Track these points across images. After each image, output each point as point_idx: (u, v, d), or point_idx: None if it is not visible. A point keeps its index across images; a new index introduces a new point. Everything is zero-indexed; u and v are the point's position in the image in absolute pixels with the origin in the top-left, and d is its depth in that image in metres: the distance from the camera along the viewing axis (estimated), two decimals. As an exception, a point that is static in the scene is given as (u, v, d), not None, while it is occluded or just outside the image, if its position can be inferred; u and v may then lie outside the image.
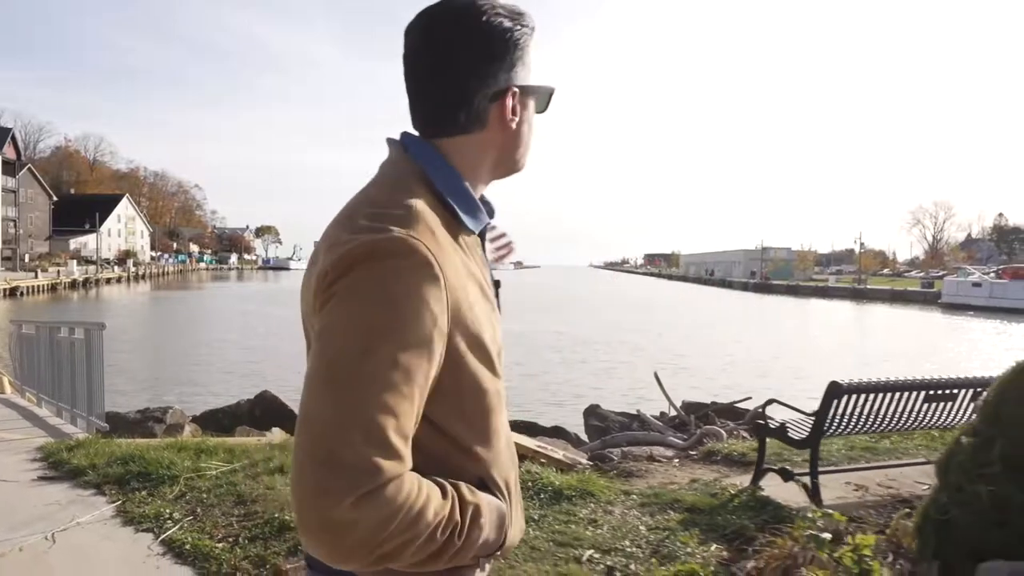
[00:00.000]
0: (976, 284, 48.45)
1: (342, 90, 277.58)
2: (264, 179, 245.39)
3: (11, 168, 58.00)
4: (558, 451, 5.43)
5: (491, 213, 1.01)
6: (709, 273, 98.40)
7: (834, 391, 3.70)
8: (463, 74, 0.91)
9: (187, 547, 3.44)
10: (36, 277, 46.34)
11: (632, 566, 3.09)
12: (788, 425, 4.07)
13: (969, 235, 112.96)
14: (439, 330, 0.81)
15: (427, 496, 0.80)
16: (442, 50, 0.91)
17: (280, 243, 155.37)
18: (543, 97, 1.00)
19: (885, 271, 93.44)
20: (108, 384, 12.73)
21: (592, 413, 8.16)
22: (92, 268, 58.07)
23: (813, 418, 3.84)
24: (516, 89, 0.94)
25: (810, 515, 2.86)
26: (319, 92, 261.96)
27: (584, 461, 5.47)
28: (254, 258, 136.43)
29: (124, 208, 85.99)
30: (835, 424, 3.82)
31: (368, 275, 0.79)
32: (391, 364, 0.77)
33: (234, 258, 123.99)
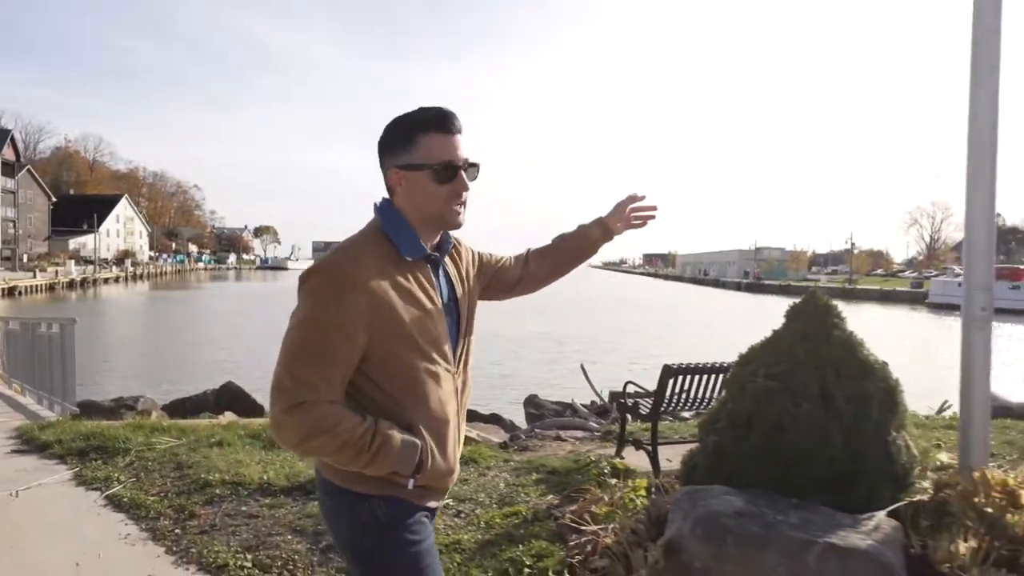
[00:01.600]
0: (962, 284, 49.03)
1: (342, 90, 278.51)
2: (263, 179, 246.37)
3: (10, 169, 58.85)
4: (472, 431, 6.17)
5: (443, 248, 1.57)
6: (704, 273, 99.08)
7: (667, 372, 4.44)
8: (380, 158, 1.52)
9: (125, 500, 4.19)
10: (34, 277, 47.03)
11: (477, 511, 3.84)
12: (639, 403, 4.81)
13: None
14: (342, 317, 1.36)
15: (339, 419, 1.35)
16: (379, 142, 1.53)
17: (279, 243, 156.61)
18: (441, 170, 1.45)
19: (879, 271, 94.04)
20: (93, 375, 13.48)
21: (530, 402, 8.90)
22: (90, 268, 58.79)
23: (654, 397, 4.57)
24: (396, 168, 1.48)
25: (606, 469, 3.61)
26: (319, 92, 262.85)
27: (494, 440, 6.21)
28: (252, 258, 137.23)
29: (123, 208, 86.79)
30: (672, 401, 4.56)
31: (306, 284, 1.42)
32: (306, 337, 1.38)
33: (232, 258, 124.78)
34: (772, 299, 55.68)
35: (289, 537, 3.55)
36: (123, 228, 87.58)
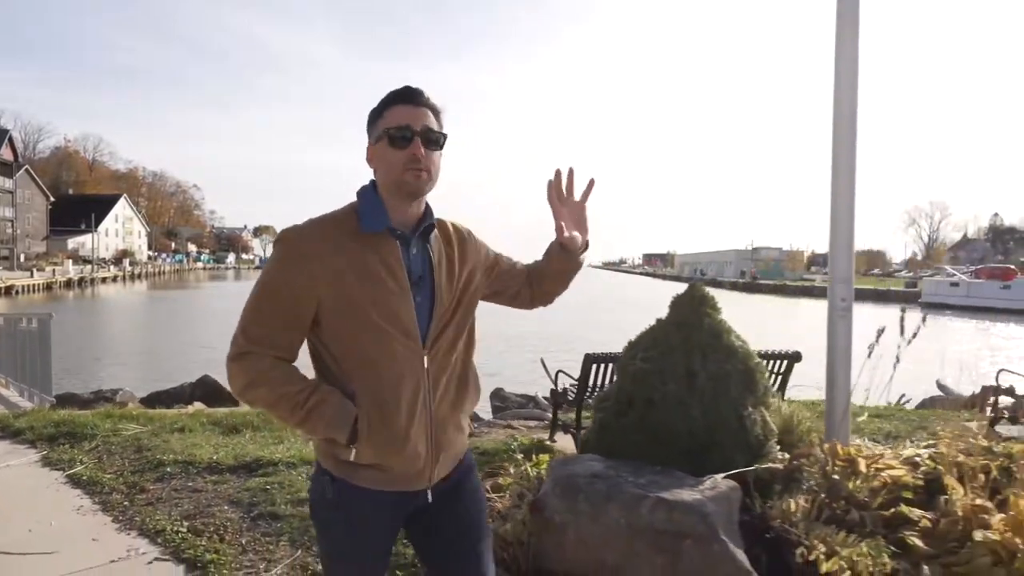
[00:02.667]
0: (954, 284, 49.37)
1: (342, 90, 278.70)
2: (263, 179, 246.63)
3: (8, 169, 59.24)
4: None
5: (419, 226, 1.57)
6: (701, 273, 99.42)
7: (588, 360, 4.79)
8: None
9: (84, 478, 4.53)
10: (31, 276, 47.36)
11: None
12: (568, 390, 5.16)
13: (965, 235, 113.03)
14: (290, 282, 1.46)
15: (280, 374, 1.46)
16: None
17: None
18: (396, 133, 1.50)
19: (876, 271, 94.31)
20: (81, 370, 13.79)
21: (496, 395, 9.27)
22: (88, 268, 59.17)
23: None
24: (369, 146, 1.57)
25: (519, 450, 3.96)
26: (319, 92, 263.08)
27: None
28: (252, 258, 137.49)
29: (122, 208, 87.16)
30: (597, 388, 4.90)
31: (272, 249, 1.55)
32: (258, 296, 1.49)
33: (232, 258, 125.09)
34: (768, 298, 56.09)
35: (226, 508, 3.90)
36: (122, 228, 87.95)
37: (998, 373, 5.94)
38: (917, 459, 3.41)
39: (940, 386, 10.44)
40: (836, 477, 3.22)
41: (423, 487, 1.59)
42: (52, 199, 70.29)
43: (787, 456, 3.37)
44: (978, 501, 2.87)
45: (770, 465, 3.22)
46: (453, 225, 1.69)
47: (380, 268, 1.49)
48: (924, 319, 3.44)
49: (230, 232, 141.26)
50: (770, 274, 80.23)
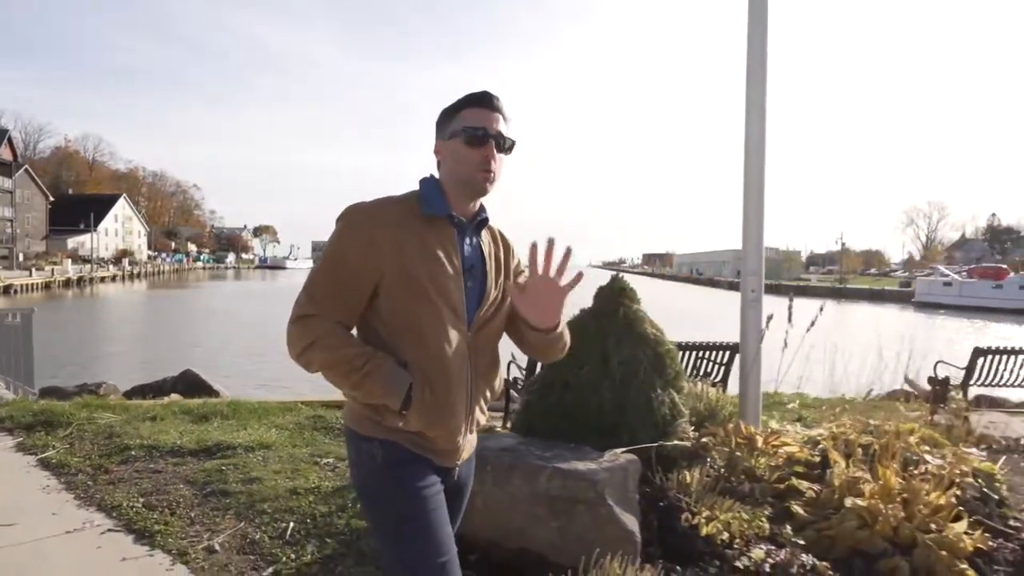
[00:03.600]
0: (947, 284, 49.57)
1: (342, 90, 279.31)
2: (263, 179, 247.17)
3: (7, 169, 59.55)
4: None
5: (475, 219, 1.66)
6: (698, 273, 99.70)
7: (533, 351, 5.05)
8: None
9: (54, 462, 4.78)
10: (30, 275, 47.65)
11: (343, 464, 4.43)
12: (518, 380, 5.42)
13: (963, 235, 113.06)
14: (355, 250, 1.53)
15: (339, 337, 1.52)
16: None
17: (278, 243, 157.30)
18: (472, 134, 1.57)
19: (872, 271, 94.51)
20: (71, 364, 14.01)
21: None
22: (87, 267, 59.47)
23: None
24: (439, 140, 1.64)
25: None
26: (319, 92, 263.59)
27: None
28: (251, 257, 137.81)
29: (121, 208, 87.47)
30: (543, 377, 5.15)
31: (338, 221, 1.59)
32: (323, 263, 1.57)
33: (231, 257, 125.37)
34: (763, 298, 56.40)
35: (181, 486, 4.15)
36: (121, 227, 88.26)
37: (936, 364, 6.18)
38: (818, 438, 3.67)
39: (907, 380, 10.70)
40: (738, 453, 3.48)
41: (454, 464, 1.67)
42: (52, 199, 70.60)
43: (696, 435, 3.64)
44: (856, 473, 3.13)
45: (677, 443, 3.47)
46: (500, 232, 1.78)
47: (439, 248, 1.56)
48: (821, 309, 3.66)
49: (230, 232, 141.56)
50: (766, 274, 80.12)
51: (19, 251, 59.29)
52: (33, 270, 50.13)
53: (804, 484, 3.24)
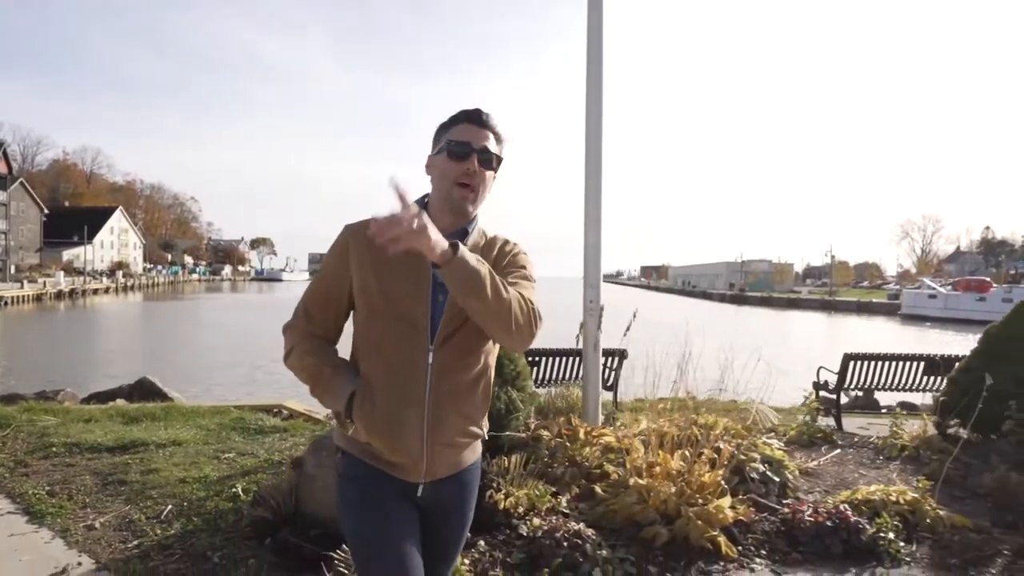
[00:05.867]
0: (932, 296, 50.00)
1: (339, 102, 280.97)
2: (261, 191, 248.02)
3: (2, 182, 59.95)
4: (315, 411, 7.18)
5: (457, 232, 1.62)
6: (691, 285, 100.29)
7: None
8: None
9: (-19, 458, 5.20)
10: (22, 287, 48.02)
11: (241, 458, 4.87)
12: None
13: (958, 248, 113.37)
14: (333, 266, 1.64)
15: (313, 346, 1.64)
16: None
17: (275, 255, 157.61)
18: (454, 147, 1.58)
19: (864, 283, 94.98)
20: (41, 370, 14.35)
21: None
22: (80, 279, 59.90)
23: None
24: (429, 156, 1.67)
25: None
26: (316, 104, 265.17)
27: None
28: (248, 269, 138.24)
29: (117, 220, 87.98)
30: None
31: None
32: (313, 279, 1.72)
33: (228, 269, 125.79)
34: (754, 310, 56.86)
35: (87, 477, 4.58)
36: (117, 240, 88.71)
37: (818, 370, 6.60)
38: (644, 432, 4.11)
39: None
40: (566, 444, 3.92)
41: (417, 480, 1.60)
42: (47, 211, 71.09)
43: (530, 425, 4.08)
44: (651, 458, 3.56)
45: (511, 434, 3.91)
46: (504, 241, 1.72)
47: (407, 264, 1.53)
48: (635, 315, 4.10)
49: (227, 244, 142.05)
50: (759, 286, 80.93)
51: (12, 263, 59.71)
52: (25, 282, 50.50)
53: (611, 468, 3.68)
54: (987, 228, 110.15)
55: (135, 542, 3.50)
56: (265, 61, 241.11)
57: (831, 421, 6.25)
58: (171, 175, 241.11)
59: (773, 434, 5.66)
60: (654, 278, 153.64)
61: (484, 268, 1.46)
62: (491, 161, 1.60)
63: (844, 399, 6.83)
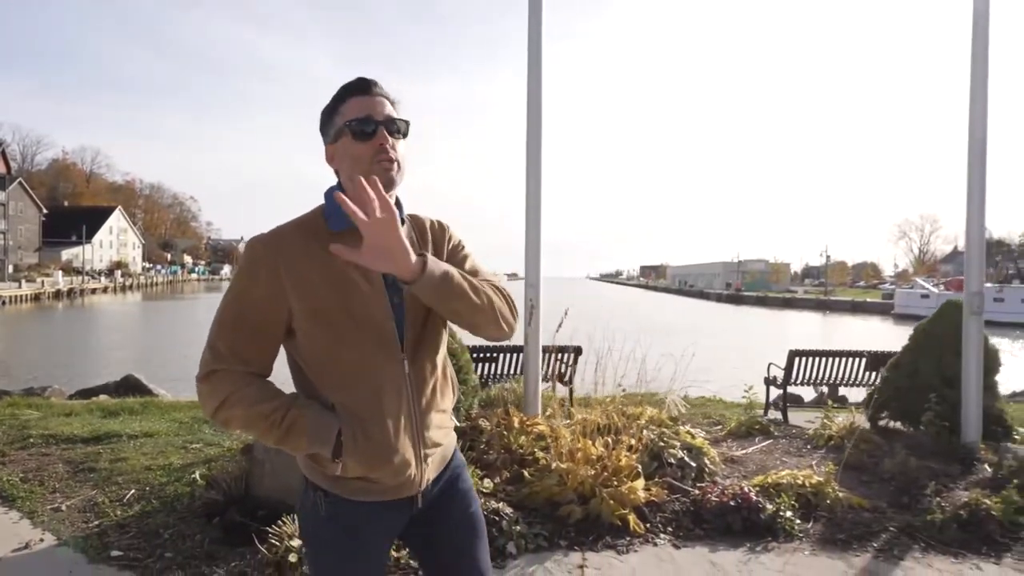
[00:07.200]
0: (924, 296, 50.32)
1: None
2: (261, 191, 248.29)
3: (1, 182, 60.36)
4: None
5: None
6: (688, 285, 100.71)
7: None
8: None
9: (-40, 449, 5.48)
10: (20, 287, 48.29)
11: (208, 448, 5.14)
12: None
13: (955, 248, 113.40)
14: (255, 291, 1.37)
15: (252, 392, 1.35)
16: None
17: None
18: (358, 126, 1.39)
19: (860, 283, 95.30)
20: (32, 367, 14.58)
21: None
22: (79, 278, 60.20)
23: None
24: (327, 146, 1.45)
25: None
26: (316, 104, 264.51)
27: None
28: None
29: (116, 220, 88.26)
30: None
31: (238, 260, 1.58)
32: (224, 310, 1.40)
33: (227, 269, 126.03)
34: (750, 309, 57.22)
35: (60, 465, 4.86)
36: (116, 239, 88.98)
37: (768, 365, 6.87)
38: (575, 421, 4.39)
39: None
40: (502, 432, 4.20)
41: (413, 493, 1.51)
42: (45, 211, 71.40)
43: (474, 418, 4.35)
44: (578, 445, 3.84)
45: (461, 424, 4.19)
46: (430, 221, 1.58)
47: (351, 269, 1.38)
48: (567, 312, 4.36)
49: (226, 244, 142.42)
50: (756, 286, 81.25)
51: (11, 263, 59.99)
52: (23, 282, 50.77)
53: (541, 455, 3.95)
54: (984, 228, 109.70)
55: (96, 522, 3.77)
56: (265, 61, 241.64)
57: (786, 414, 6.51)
58: (171, 175, 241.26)
59: (721, 426, 5.96)
60: (653, 278, 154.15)
61: (451, 268, 1.38)
62: (401, 129, 1.44)
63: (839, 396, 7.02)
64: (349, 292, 1.38)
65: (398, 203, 1.47)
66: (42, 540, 3.55)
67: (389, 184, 1.40)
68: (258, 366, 1.41)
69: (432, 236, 1.55)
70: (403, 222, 1.49)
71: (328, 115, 1.45)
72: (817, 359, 6.63)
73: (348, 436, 1.37)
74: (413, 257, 1.30)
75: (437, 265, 1.34)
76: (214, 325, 1.40)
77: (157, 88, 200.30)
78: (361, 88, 1.43)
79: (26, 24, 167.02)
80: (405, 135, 1.46)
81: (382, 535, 1.51)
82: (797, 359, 6.60)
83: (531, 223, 4.53)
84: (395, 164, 1.41)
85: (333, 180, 1.48)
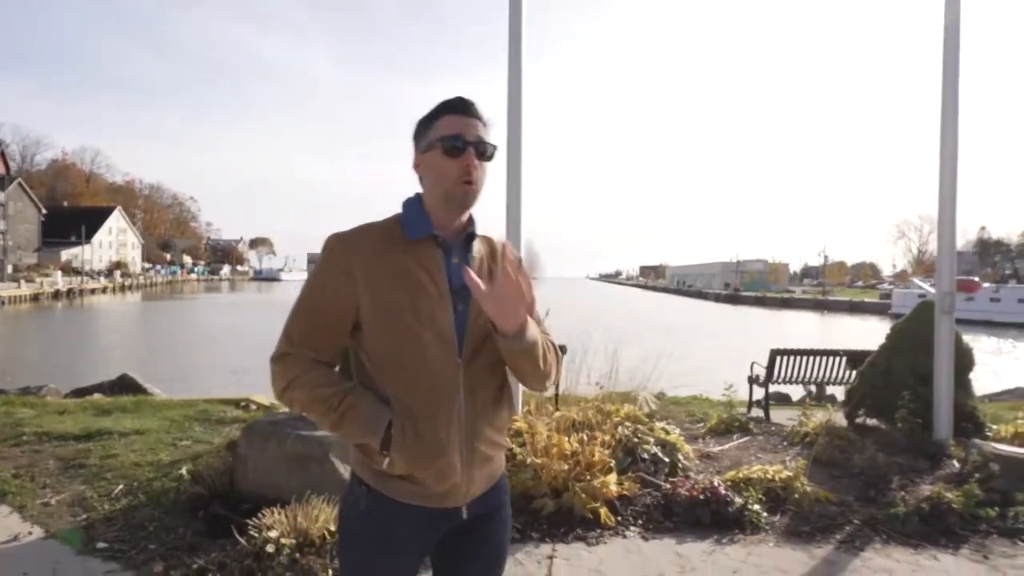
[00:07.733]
0: (921, 296, 50.23)
1: (340, 103, 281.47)
2: (261, 191, 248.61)
3: (0, 182, 60.47)
4: (279, 406, 7.58)
5: (463, 234, 1.54)
6: (687, 285, 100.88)
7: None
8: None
9: (-44, 445, 5.58)
10: (19, 287, 48.38)
11: (197, 445, 5.24)
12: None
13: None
14: (329, 284, 1.47)
15: (317, 376, 1.46)
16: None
17: (274, 254, 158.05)
18: (449, 143, 1.48)
19: (859, 283, 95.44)
20: (29, 367, 14.70)
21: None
22: (78, 278, 60.28)
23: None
24: (417, 154, 1.55)
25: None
26: (316, 104, 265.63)
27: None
28: (246, 269, 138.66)
29: (116, 220, 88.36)
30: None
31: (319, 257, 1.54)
32: (300, 299, 1.51)
33: (226, 269, 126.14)
34: (748, 309, 57.35)
35: (51, 462, 4.96)
36: (115, 240, 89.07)
37: (751, 364, 6.97)
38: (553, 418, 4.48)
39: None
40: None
41: (458, 504, 1.52)
42: (44, 211, 71.48)
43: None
44: (554, 440, 3.94)
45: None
46: (502, 244, 1.60)
47: (421, 273, 1.47)
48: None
49: (226, 244, 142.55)
50: (754, 286, 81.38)
51: (10, 263, 60.06)
52: (22, 282, 50.87)
53: (518, 450, 4.05)
54: (983, 228, 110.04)
55: (84, 516, 3.88)
56: (265, 61, 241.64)
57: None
58: (170, 175, 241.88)
59: (702, 423, 6.06)
60: (652, 278, 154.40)
61: (540, 337, 1.50)
62: (488, 152, 1.53)
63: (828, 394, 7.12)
64: (417, 294, 1.46)
65: (471, 220, 1.58)
66: (30, 533, 3.65)
67: (465, 205, 1.52)
68: (326, 354, 1.51)
69: (505, 255, 1.54)
70: (474, 236, 1.58)
71: (423, 126, 1.54)
72: (798, 358, 6.74)
73: (398, 429, 1.43)
74: (521, 320, 1.41)
75: (533, 331, 1.45)
76: (292, 311, 1.52)
77: (157, 88, 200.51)
78: (458, 108, 1.52)
79: (26, 24, 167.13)
80: (491, 159, 1.54)
81: (415, 542, 1.53)
82: (779, 358, 6.71)
83: (511, 221, 4.63)
84: (475, 186, 1.50)
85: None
